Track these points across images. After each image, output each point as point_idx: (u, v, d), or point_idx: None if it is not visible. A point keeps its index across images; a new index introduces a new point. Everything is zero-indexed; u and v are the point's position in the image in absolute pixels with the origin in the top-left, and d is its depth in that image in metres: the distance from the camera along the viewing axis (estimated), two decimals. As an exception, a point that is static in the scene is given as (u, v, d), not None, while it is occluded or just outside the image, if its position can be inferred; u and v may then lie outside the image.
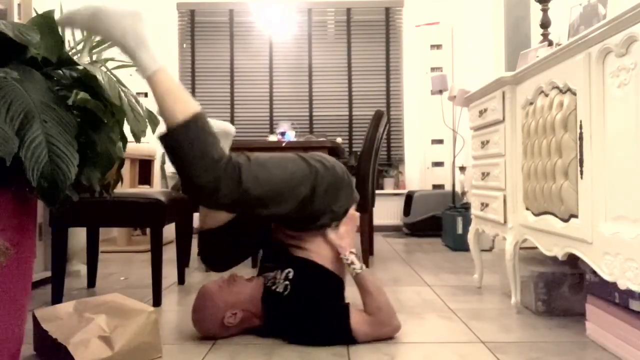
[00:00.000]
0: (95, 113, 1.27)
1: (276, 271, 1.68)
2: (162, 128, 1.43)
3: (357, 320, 1.56)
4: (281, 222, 1.75)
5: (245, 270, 2.83)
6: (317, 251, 1.70)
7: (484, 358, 1.45)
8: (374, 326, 1.57)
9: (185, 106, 1.44)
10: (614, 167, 1.28)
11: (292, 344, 1.57)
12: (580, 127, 1.42)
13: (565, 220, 1.53)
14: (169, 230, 3.37)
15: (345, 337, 1.54)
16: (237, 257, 1.83)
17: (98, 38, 1.61)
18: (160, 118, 1.49)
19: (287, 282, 1.62)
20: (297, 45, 5.16)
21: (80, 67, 1.27)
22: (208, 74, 5.16)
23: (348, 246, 1.69)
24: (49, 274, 2.41)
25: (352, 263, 1.65)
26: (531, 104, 1.76)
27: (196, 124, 1.43)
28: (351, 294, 1.74)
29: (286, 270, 1.65)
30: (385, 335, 1.60)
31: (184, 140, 1.41)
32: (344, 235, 1.71)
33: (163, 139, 1.43)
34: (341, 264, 1.73)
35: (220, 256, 1.79)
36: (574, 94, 1.47)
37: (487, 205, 2.13)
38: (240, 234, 1.78)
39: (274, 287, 1.62)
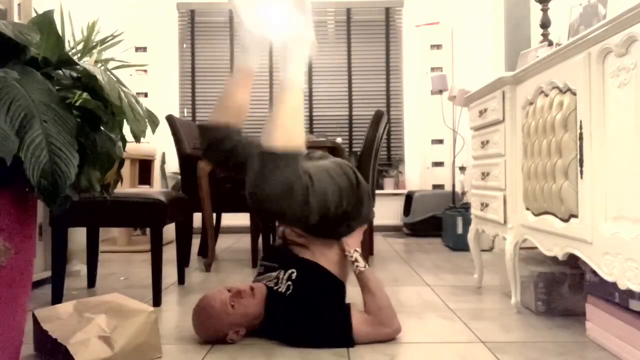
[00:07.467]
0: (95, 113, 1.27)
1: (279, 271, 1.68)
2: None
3: (358, 320, 1.56)
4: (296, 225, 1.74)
5: (245, 270, 2.84)
6: (323, 253, 1.71)
7: (484, 358, 1.45)
8: (373, 326, 1.57)
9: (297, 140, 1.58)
10: (613, 167, 1.28)
11: (292, 346, 1.57)
12: (580, 127, 1.42)
13: (565, 220, 1.53)
14: (169, 230, 3.37)
15: (345, 338, 1.54)
16: (230, 168, 1.76)
17: (99, 38, 1.61)
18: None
19: (289, 283, 1.62)
20: (297, 45, 5.15)
21: (80, 67, 1.27)
22: (208, 74, 5.15)
23: (354, 244, 1.73)
24: (49, 274, 2.40)
25: (356, 261, 1.67)
26: (531, 104, 1.76)
27: (296, 159, 1.52)
28: (351, 294, 1.74)
29: (289, 271, 1.65)
30: (385, 336, 1.59)
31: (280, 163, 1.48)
32: (351, 234, 1.75)
33: (264, 154, 1.49)
34: (345, 268, 1.74)
35: (221, 157, 1.73)
36: (574, 94, 1.47)
37: (487, 205, 2.13)
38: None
39: (276, 287, 1.63)
